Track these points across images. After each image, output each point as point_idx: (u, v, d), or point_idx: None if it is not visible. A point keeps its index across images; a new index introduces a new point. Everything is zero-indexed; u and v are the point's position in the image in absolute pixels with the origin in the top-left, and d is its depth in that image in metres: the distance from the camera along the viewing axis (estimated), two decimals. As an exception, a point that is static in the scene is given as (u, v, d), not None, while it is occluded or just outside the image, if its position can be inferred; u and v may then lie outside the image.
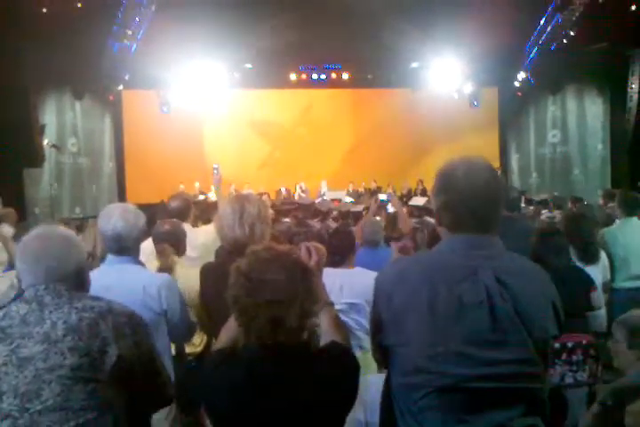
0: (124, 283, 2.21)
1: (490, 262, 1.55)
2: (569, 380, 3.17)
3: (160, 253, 3.09)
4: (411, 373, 1.52)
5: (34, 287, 1.73)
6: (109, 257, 1.93)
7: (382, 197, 5.19)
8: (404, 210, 6.03)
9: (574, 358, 3.29)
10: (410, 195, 14.68)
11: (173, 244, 3.13)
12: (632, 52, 13.82)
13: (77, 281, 1.81)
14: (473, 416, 1.49)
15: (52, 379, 1.61)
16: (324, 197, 13.61)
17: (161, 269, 2.98)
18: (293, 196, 14.50)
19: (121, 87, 14.17)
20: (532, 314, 1.53)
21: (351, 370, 1.61)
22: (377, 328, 1.63)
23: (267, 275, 1.50)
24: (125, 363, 1.69)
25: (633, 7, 12.16)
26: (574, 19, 13.17)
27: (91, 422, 1.63)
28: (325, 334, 1.73)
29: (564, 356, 3.19)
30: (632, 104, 13.95)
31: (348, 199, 13.96)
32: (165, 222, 3.24)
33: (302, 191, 14.73)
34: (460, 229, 1.59)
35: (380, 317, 1.61)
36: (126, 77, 13.69)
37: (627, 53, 13.86)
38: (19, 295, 1.74)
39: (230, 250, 2.50)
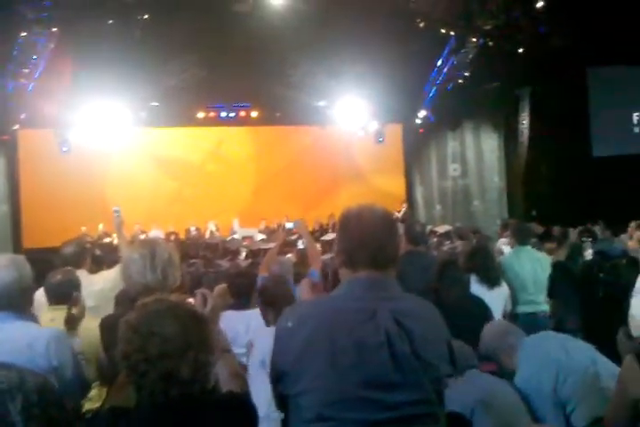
0: (8, 340, 2.03)
1: (388, 304, 1.57)
2: None
3: (75, 302, 2.93)
4: (312, 421, 1.49)
5: None
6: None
7: (289, 225, 5.11)
8: (315, 244, 6.04)
9: None
10: (321, 230, 14.81)
11: (67, 293, 2.97)
12: (521, 90, 14.85)
13: None
14: None
15: None
16: (235, 236, 13.46)
17: (70, 320, 2.83)
18: (204, 234, 14.24)
19: (17, 127, 13.57)
20: (427, 355, 1.55)
21: (248, 422, 1.55)
22: (276, 377, 1.60)
23: (156, 327, 1.43)
24: None
25: (520, 50, 13.09)
26: (468, 60, 13.99)
27: None
28: (223, 383, 1.67)
29: None
30: (523, 138, 14.92)
31: (260, 237, 13.89)
32: (57, 272, 3.06)
33: (215, 230, 14.49)
34: (356, 268, 1.63)
35: (278, 366, 1.58)
36: (22, 117, 13.13)
37: (517, 92, 14.88)
38: None
39: (135, 297, 2.37)
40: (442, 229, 10.88)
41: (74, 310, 2.91)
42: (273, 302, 2.89)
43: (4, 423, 1.50)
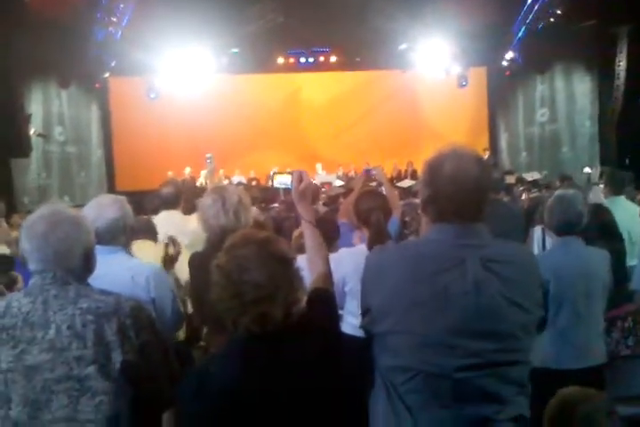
0: (113, 273, 2.20)
1: (478, 252, 1.55)
2: (622, 348, 3.29)
3: (172, 242, 3.12)
4: (396, 356, 1.54)
5: (40, 275, 1.71)
6: (98, 248, 1.95)
7: (369, 171, 5.10)
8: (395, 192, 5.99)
9: (626, 324, 3.49)
10: (400, 177, 14.70)
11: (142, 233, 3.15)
12: (619, 29, 13.77)
13: (85, 265, 1.78)
14: (458, 404, 1.51)
15: (60, 390, 1.62)
16: (314, 181, 13.57)
17: (169, 258, 3.02)
18: (273, 179, 14.42)
19: (107, 74, 14.04)
20: (519, 299, 1.54)
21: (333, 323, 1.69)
22: (364, 315, 1.65)
23: (247, 275, 1.50)
24: (130, 368, 1.69)
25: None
26: (561, -3, 13.11)
27: None
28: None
29: (618, 324, 3.34)
30: (619, 82, 13.93)
31: (339, 183, 13.96)
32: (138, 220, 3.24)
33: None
34: (445, 220, 1.59)
35: (366, 304, 1.63)
36: (112, 64, 13.55)
37: (614, 31, 13.83)
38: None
39: (215, 239, 2.53)
40: (530, 176, 10.51)
41: (170, 250, 3.10)
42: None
43: (101, 343, 1.66)
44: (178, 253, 3.10)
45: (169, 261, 3.07)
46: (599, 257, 3.00)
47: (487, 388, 1.52)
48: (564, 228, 2.97)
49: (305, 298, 1.66)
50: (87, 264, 1.80)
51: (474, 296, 1.50)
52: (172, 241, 3.12)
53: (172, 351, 1.92)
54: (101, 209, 2.44)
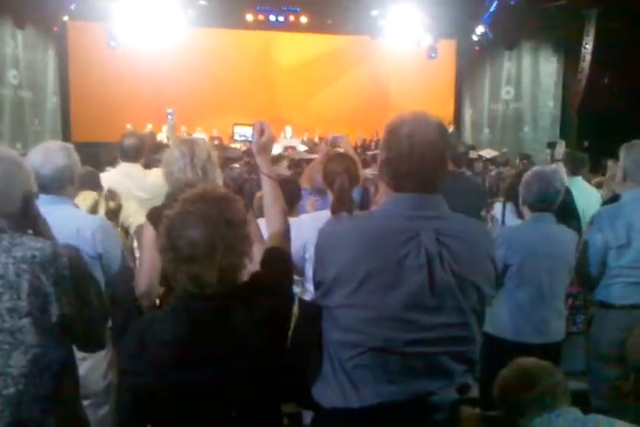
0: (57, 225, 2.02)
1: (432, 223, 1.52)
2: (570, 325, 3.44)
3: (111, 195, 3.02)
4: (346, 331, 1.52)
5: None
6: (42, 197, 1.83)
7: (334, 138, 5.08)
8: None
9: (577, 302, 3.72)
10: (364, 146, 14.68)
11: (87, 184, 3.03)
12: (588, 11, 13.85)
13: (24, 211, 1.68)
14: (405, 378, 1.50)
15: None
16: (277, 145, 13.40)
17: (110, 211, 2.92)
18: (232, 131, 14.16)
19: (66, 18, 13.41)
20: (469, 275, 1.52)
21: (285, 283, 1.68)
22: (317, 287, 1.61)
23: (185, 231, 1.45)
24: (67, 320, 1.62)
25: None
26: (536, -26, 13.04)
27: (31, 387, 1.58)
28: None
29: (569, 301, 3.49)
30: (584, 64, 14.08)
31: (303, 148, 13.84)
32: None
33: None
34: (400, 187, 1.55)
35: (318, 277, 1.59)
36: (72, 7, 12.93)
37: (583, 13, 13.89)
38: None
39: (177, 194, 2.44)
40: (488, 153, 10.62)
41: (111, 204, 3.00)
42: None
43: (36, 295, 1.58)
44: (119, 207, 3.01)
45: (112, 213, 2.97)
46: (568, 237, 3.00)
47: (437, 363, 1.52)
48: (541, 204, 2.95)
49: (252, 265, 1.60)
50: (26, 210, 1.70)
51: (427, 271, 1.47)
52: (112, 194, 3.02)
53: (108, 305, 1.87)
54: (49, 155, 2.31)
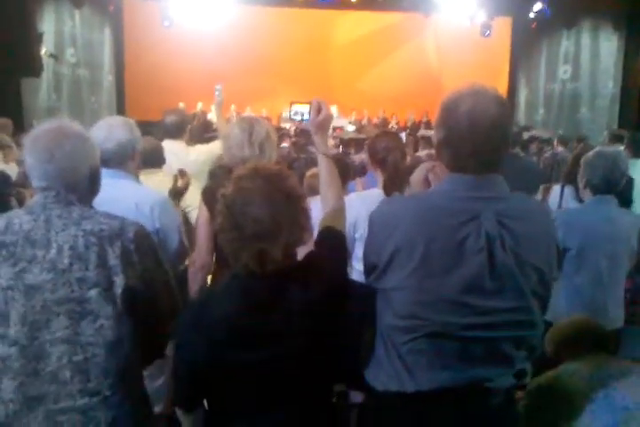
0: (117, 198, 2.13)
1: (493, 205, 1.47)
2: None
3: (181, 174, 3.06)
4: (402, 316, 1.49)
5: (43, 194, 1.65)
6: (104, 171, 1.89)
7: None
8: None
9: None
10: (413, 126, 14.50)
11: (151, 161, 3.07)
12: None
13: (90, 186, 1.72)
14: (461, 364, 1.47)
15: (61, 312, 1.60)
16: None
17: (176, 191, 2.97)
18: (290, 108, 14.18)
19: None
20: (531, 258, 1.48)
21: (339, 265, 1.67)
22: (369, 270, 1.58)
23: (248, 207, 1.45)
24: (131, 293, 1.66)
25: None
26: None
27: (99, 356, 1.63)
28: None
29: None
30: (648, 43, 13.50)
31: (351, 128, 13.78)
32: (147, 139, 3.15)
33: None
34: (460, 168, 1.49)
35: (372, 260, 1.56)
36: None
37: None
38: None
39: (231, 170, 2.48)
40: (543, 133, 10.34)
41: (179, 182, 3.04)
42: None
43: (104, 267, 1.63)
44: (187, 186, 3.06)
45: (178, 193, 3.02)
46: (631, 221, 2.89)
47: (496, 349, 1.48)
48: (604, 186, 2.84)
49: (312, 239, 1.60)
50: (92, 185, 1.74)
51: (487, 253, 1.43)
52: (182, 173, 3.07)
53: (174, 282, 1.88)
54: (111, 130, 2.36)
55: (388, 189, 2.44)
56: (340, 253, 1.70)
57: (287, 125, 11.93)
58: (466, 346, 1.46)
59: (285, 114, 14.26)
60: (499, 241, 1.44)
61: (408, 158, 3.23)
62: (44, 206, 1.65)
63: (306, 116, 1.95)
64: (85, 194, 1.72)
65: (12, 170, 4.93)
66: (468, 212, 1.46)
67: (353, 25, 15.98)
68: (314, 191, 3.09)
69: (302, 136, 8.17)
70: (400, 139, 3.00)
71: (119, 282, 1.64)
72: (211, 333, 1.48)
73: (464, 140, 1.47)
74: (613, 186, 2.86)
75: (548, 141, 9.72)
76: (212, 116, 12.77)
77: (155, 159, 3.16)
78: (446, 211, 1.47)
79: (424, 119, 14.61)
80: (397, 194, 2.22)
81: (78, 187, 1.68)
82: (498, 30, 15.38)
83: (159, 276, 1.79)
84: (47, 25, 11.91)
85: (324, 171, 1.88)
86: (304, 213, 1.52)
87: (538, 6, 14.32)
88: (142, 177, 2.71)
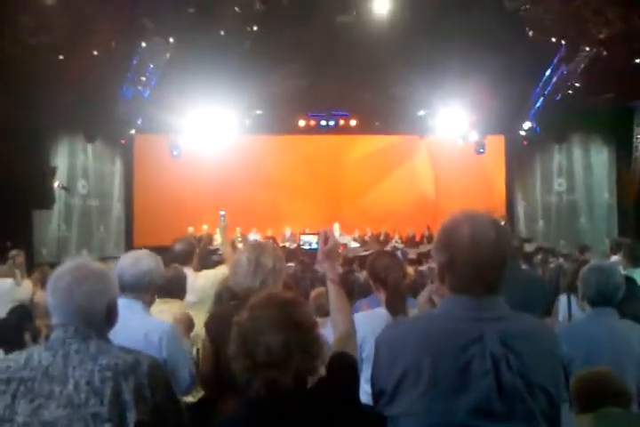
0: (128, 329, 2.15)
1: (496, 326, 1.48)
2: None
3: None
4: None
5: (62, 329, 1.73)
6: (120, 300, 1.95)
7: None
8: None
9: None
10: (413, 242, 14.69)
11: (174, 290, 3.16)
12: (635, 102, 14.00)
13: (107, 319, 1.80)
14: None
15: None
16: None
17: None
18: (299, 239, 14.49)
19: (133, 131, 14.43)
20: (539, 379, 1.46)
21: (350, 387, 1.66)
22: (377, 396, 1.56)
23: (262, 337, 1.48)
24: None
25: (637, 60, 12.37)
26: (579, 70, 13.41)
27: None
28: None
29: None
30: (638, 154, 14.04)
31: (354, 245, 13.98)
32: (170, 268, 3.28)
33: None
34: (463, 290, 1.52)
35: (380, 385, 1.54)
36: (139, 122, 13.94)
37: (631, 105, 14.05)
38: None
39: (235, 294, 2.52)
40: (546, 245, 10.47)
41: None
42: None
43: (117, 401, 1.64)
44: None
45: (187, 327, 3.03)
46: (635, 332, 2.83)
47: None
48: (601, 299, 2.84)
49: (324, 365, 1.61)
50: (109, 318, 1.82)
51: (494, 375, 1.42)
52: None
53: (185, 415, 1.88)
54: (137, 260, 2.51)
55: (391, 309, 2.46)
56: (351, 380, 1.71)
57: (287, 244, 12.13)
58: None
59: (287, 232, 14.55)
60: (504, 362, 1.44)
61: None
62: (63, 342, 1.71)
63: (314, 245, 2.03)
64: (102, 327, 1.79)
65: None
66: (471, 333, 1.47)
67: (352, 148, 16.76)
68: (322, 311, 3.09)
69: (308, 256, 8.28)
70: (397, 258, 3.07)
71: (131, 418, 1.65)
72: None
73: (467, 265, 1.51)
74: (609, 299, 2.85)
75: (553, 252, 9.80)
76: (217, 237, 13.05)
77: (177, 290, 3.27)
78: (450, 333, 1.49)
79: (425, 233, 14.82)
80: (402, 316, 2.23)
81: (95, 321, 1.76)
82: (491, 147, 16.09)
83: (170, 410, 1.79)
84: (61, 159, 12.56)
85: (334, 298, 1.94)
86: (316, 342, 1.54)
87: (527, 124, 15.11)
88: (162, 305, 2.77)
